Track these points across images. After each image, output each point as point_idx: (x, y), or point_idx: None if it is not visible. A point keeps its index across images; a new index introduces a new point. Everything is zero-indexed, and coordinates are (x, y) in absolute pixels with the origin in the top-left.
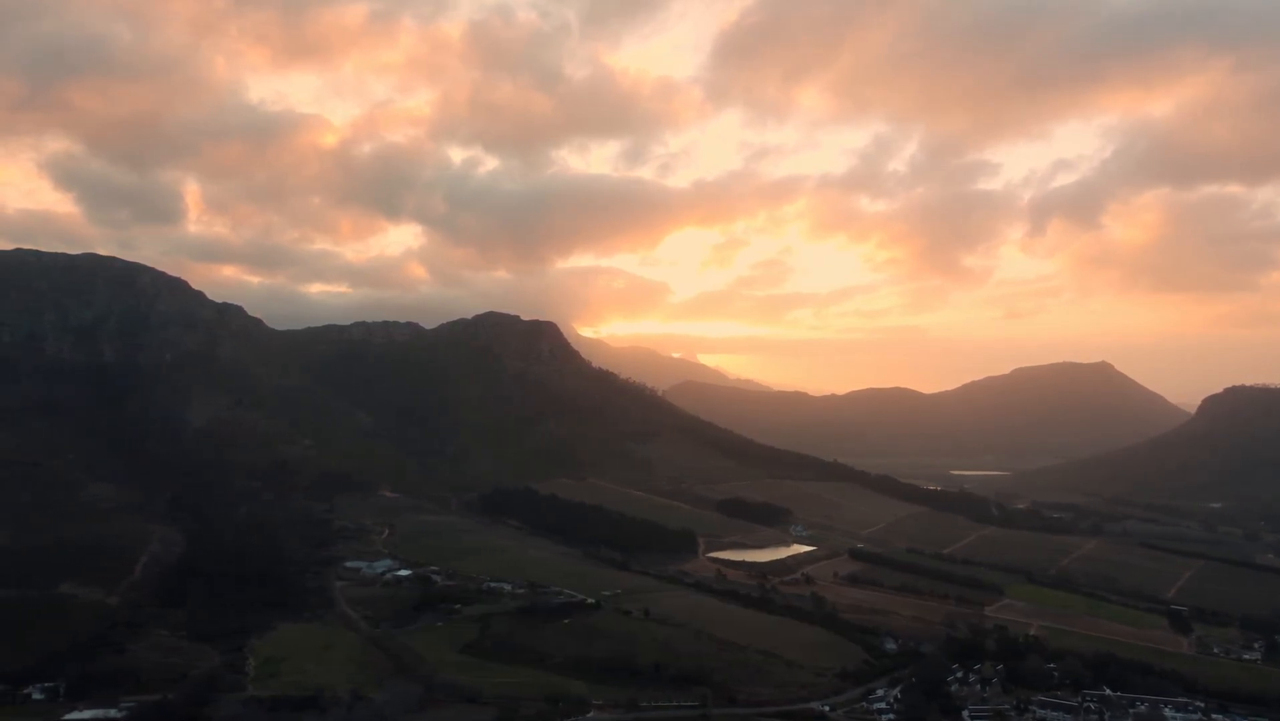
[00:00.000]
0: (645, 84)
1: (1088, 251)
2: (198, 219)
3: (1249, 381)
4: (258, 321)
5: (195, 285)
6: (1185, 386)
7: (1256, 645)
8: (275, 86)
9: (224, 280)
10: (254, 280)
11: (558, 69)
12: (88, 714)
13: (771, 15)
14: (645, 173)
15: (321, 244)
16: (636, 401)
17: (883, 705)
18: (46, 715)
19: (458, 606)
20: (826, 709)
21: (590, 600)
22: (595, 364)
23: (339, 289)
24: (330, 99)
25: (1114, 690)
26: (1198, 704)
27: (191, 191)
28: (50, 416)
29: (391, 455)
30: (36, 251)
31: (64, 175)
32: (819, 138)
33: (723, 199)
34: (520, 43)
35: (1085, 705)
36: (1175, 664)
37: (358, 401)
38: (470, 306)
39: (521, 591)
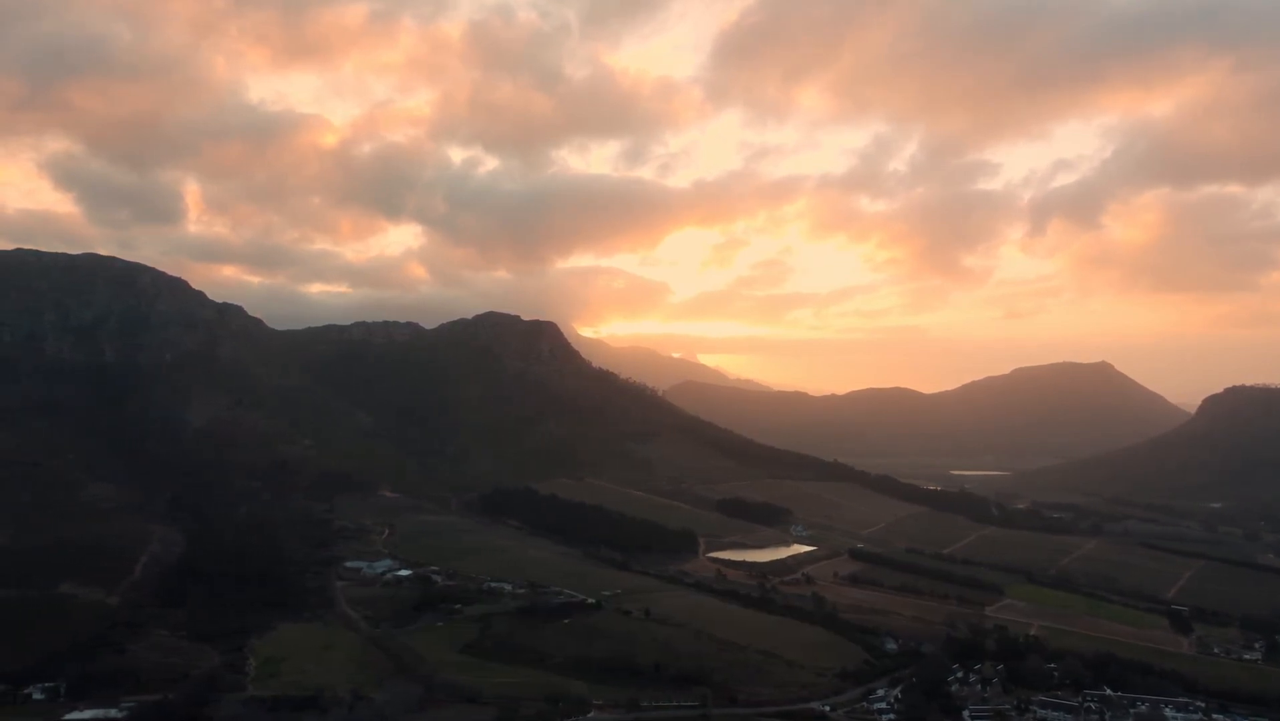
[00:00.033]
0: (645, 84)
1: (1088, 251)
2: (198, 219)
3: (1249, 381)
4: (258, 321)
5: (195, 285)
6: (1185, 386)
7: (1257, 645)
8: (275, 86)
9: (224, 280)
10: (254, 280)
11: (558, 69)
12: (88, 714)
13: (771, 15)
14: (645, 173)
15: (321, 244)
16: (636, 401)
17: (883, 705)
18: (47, 715)
19: (458, 606)
20: (827, 709)
21: (590, 600)
22: (595, 364)
23: (339, 289)
24: (330, 99)
25: (1114, 690)
26: (1198, 704)
27: (191, 191)
28: (50, 416)
29: (391, 455)
30: (37, 251)
31: (64, 175)
32: (819, 138)
33: (723, 199)
34: (520, 43)
35: (1086, 705)
36: (1176, 664)
37: (358, 401)
38: (470, 306)
39: (522, 591)
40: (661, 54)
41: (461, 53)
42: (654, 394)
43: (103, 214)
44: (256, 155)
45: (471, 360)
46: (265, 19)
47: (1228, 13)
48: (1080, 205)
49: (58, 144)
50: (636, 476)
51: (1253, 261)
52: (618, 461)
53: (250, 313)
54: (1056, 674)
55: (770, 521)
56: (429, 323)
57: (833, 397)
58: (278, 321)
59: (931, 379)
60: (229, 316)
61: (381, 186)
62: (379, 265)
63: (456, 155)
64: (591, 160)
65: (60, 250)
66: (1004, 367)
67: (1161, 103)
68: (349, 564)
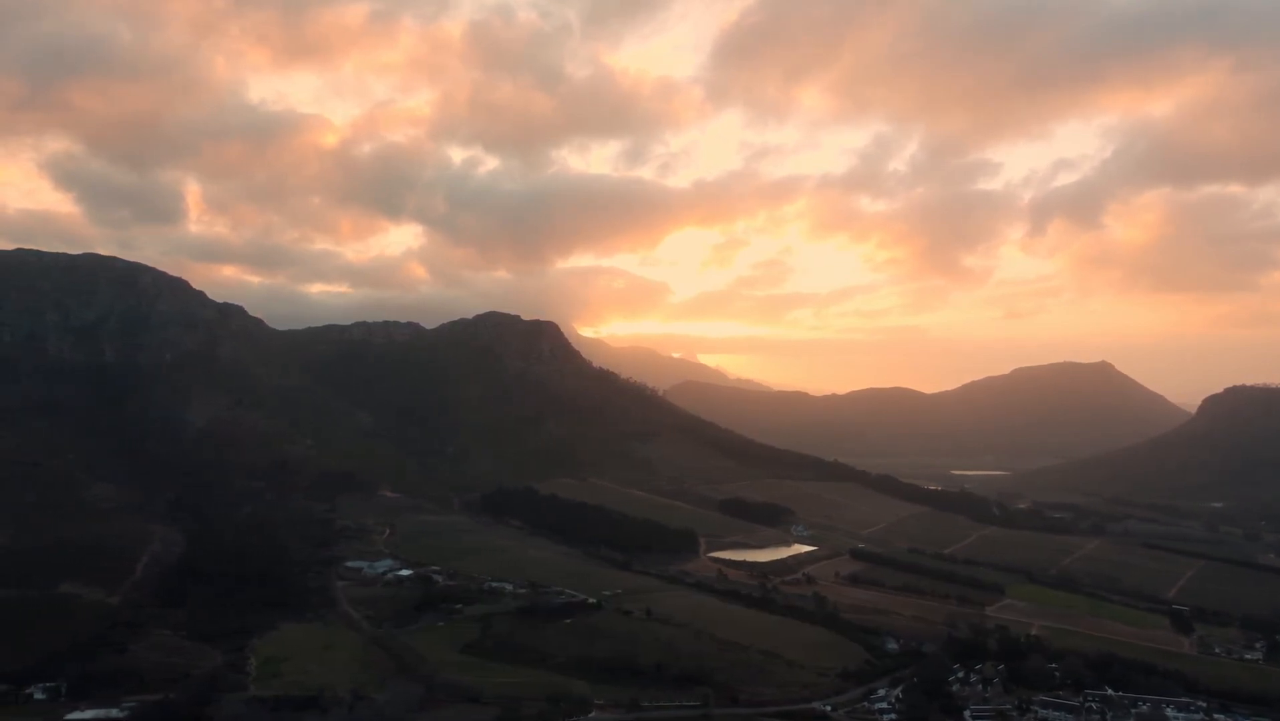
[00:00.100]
0: (645, 84)
1: (1088, 251)
2: (198, 219)
3: (1249, 381)
4: (258, 321)
5: (196, 285)
6: (1185, 386)
7: (1258, 645)
8: (275, 86)
9: (224, 280)
10: (254, 280)
11: (558, 69)
12: (89, 713)
13: (771, 15)
14: (645, 173)
15: (322, 244)
16: (637, 401)
17: (884, 705)
18: (48, 715)
19: (459, 606)
20: (828, 709)
21: (591, 600)
22: (595, 364)
23: (339, 289)
24: (330, 99)
25: (1116, 690)
26: (1199, 704)
27: (192, 191)
28: (51, 416)
29: (392, 455)
30: (37, 251)
31: (64, 175)
32: (819, 138)
33: (723, 199)
34: (520, 43)
35: (1087, 705)
36: (1177, 664)
37: (358, 401)
38: (470, 306)
39: (523, 591)
40: (662, 54)
41: (462, 53)
42: (654, 394)
43: (103, 214)
44: (257, 155)
45: (472, 360)
46: (265, 19)
47: (1228, 13)
48: (1080, 205)
49: (58, 144)
50: (637, 476)
51: (1253, 261)
52: (618, 461)
53: (251, 312)
54: (1058, 674)
55: (771, 521)
56: (429, 322)
57: (833, 397)
58: (278, 321)
59: (931, 379)
60: (229, 316)
61: (382, 186)
62: (379, 265)
63: (457, 155)
64: (591, 160)
65: (61, 250)
66: (1004, 367)
67: (1161, 103)
68: (350, 564)
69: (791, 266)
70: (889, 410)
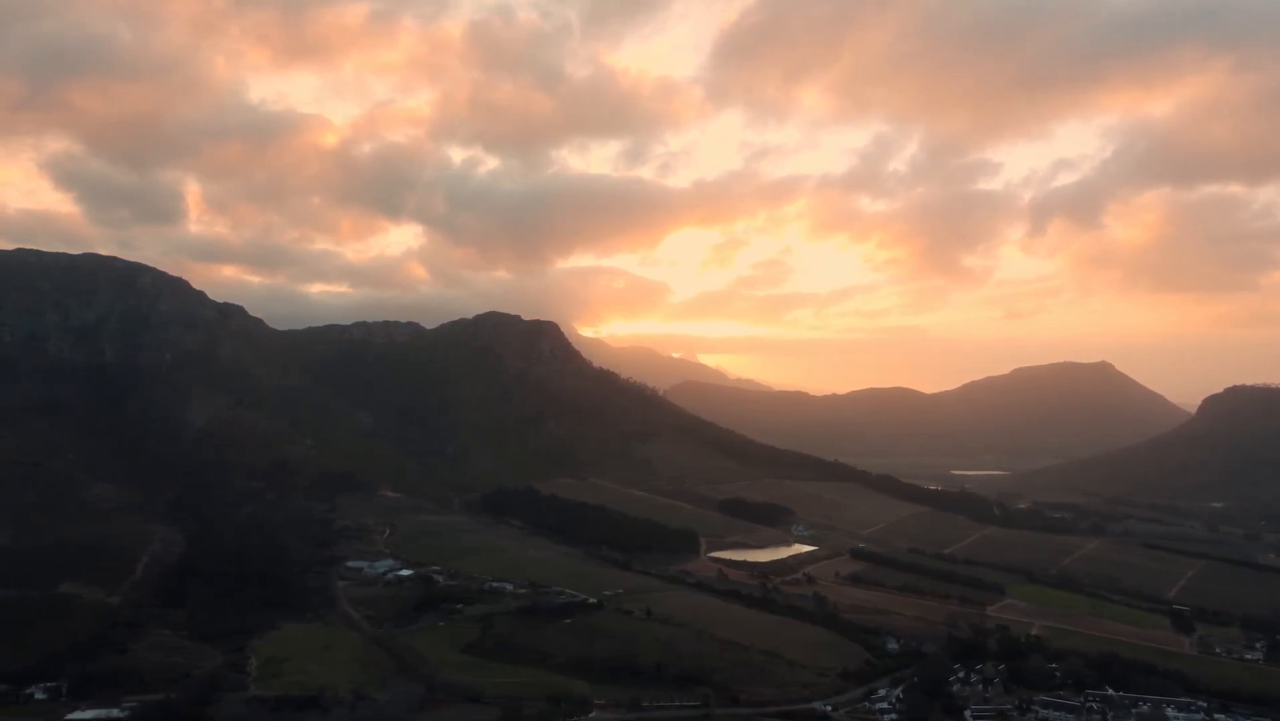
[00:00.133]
0: (645, 84)
1: (1088, 251)
2: (198, 219)
3: (1249, 381)
4: (258, 321)
5: (196, 285)
6: (1185, 386)
7: (1258, 645)
8: (275, 86)
9: (224, 280)
10: (254, 280)
11: (558, 69)
12: (90, 713)
13: (771, 15)
14: (645, 173)
15: (322, 244)
16: (637, 401)
17: (885, 705)
18: (49, 715)
19: (459, 606)
20: (829, 709)
21: (592, 600)
22: (595, 364)
23: (339, 289)
24: (330, 99)
25: (1116, 690)
26: (1200, 704)
27: (192, 191)
28: (51, 416)
29: (392, 455)
30: (37, 251)
31: (64, 175)
32: (819, 138)
33: (723, 199)
34: (520, 43)
35: (1088, 705)
36: (1177, 664)
37: (358, 401)
38: (470, 306)
39: (523, 591)
40: (662, 54)
41: (462, 53)
42: (654, 394)
43: (103, 214)
44: (257, 155)
45: (472, 360)
46: (265, 19)
47: (1228, 13)
48: (1080, 205)
49: (58, 144)
50: (637, 476)
51: (1253, 261)
52: (618, 461)
53: (251, 312)
54: (1058, 674)
55: (771, 521)
56: (429, 322)
57: (833, 397)
58: (278, 321)
59: (931, 379)
60: (229, 316)
61: (382, 186)
62: (379, 265)
63: (456, 155)
64: (591, 160)
65: (61, 250)
66: (1004, 367)
67: (1161, 103)
68: (350, 564)
69: (791, 266)
70: (889, 410)
